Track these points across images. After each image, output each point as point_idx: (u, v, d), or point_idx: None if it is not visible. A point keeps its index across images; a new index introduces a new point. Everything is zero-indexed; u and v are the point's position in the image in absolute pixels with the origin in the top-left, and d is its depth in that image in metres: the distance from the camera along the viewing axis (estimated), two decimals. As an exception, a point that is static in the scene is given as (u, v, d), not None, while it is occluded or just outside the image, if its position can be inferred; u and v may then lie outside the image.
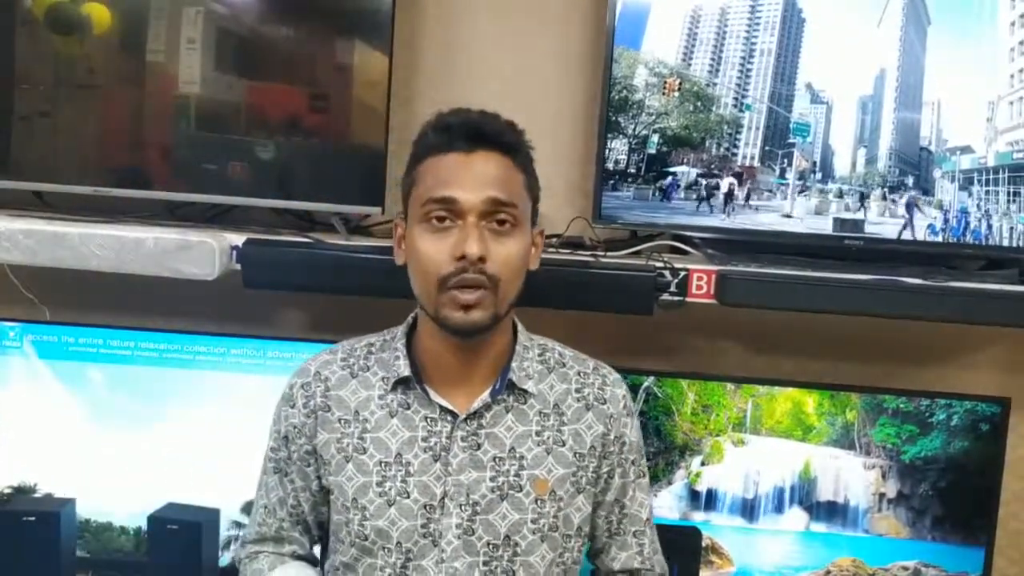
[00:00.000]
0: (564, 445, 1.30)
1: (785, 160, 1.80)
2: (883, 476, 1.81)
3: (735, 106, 1.79)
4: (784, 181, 1.80)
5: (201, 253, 1.63)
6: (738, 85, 1.78)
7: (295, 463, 1.34)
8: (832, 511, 1.83)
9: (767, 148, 1.79)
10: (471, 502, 1.25)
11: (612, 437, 1.34)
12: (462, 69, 1.90)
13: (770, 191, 1.79)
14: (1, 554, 1.65)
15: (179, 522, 1.64)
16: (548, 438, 1.29)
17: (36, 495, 1.89)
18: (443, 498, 1.25)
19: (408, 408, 1.28)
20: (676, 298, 1.65)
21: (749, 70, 1.78)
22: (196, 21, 1.78)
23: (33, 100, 1.84)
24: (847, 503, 1.82)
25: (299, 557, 1.40)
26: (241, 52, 1.81)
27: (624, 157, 1.79)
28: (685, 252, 1.80)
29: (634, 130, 1.79)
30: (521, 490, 1.27)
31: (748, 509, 1.84)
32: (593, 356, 1.84)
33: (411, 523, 1.25)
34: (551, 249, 1.79)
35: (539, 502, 1.27)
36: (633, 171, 1.79)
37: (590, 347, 1.87)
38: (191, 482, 1.82)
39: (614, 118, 1.77)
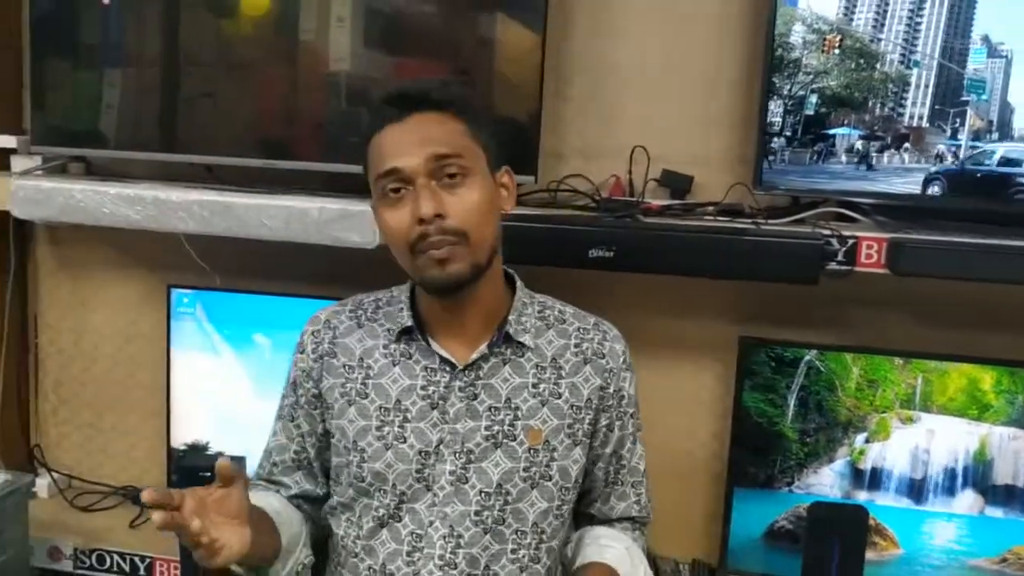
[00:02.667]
0: (560, 397, 1.31)
1: (957, 120, 1.68)
2: (1069, 460, 1.68)
3: (901, 63, 1.68)
4: (956, 142, 1.68)
5: (362, 222, 1.67)
6: (905, 40, 1.68)
7: (302, 407, 1.38)
8: (1010, 495, 1.72)
9: (937, 107, 1.69)
10: (465, 450, 1.27)
11: (611, 391, 1.34)
12: (614, 34, 1.87)
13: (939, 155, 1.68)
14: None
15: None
16: (544, 390, 1.30)
17: (208, 452, 2.00)
18: (438, 445, 1.27)
19: (410, 358, 1.31)
20: (844, 267, 1.57)
21: (918, 23, 1.68)
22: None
23: (197, 81, 1.93)
24: (1027, 487, 1.71)
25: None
26: (388, 28, 1.83)
27: (779, 120, 1.72)
28: (850, 219, 1.72)
29: (790, 91, 1.71)
30: (515, 439, 1.28)
31: (916, 490, 1.75)
32: (753, 327, 1.82)
33: (406, 467, 1.28)
34: (708, 217, 1.75)
35: (532, 451, 1.28)
36: (790, 134, 1.72)
37: (748, 318, 1.85)
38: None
39: (772, 79, 1.70)
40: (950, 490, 1.74)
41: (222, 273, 2.02)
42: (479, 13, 1.79)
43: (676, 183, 1.83)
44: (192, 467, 1.75)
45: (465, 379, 1.29)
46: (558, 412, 1.30)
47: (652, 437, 1.92)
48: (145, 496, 1.05)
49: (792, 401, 1.76)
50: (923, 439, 1.74)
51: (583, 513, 1.42)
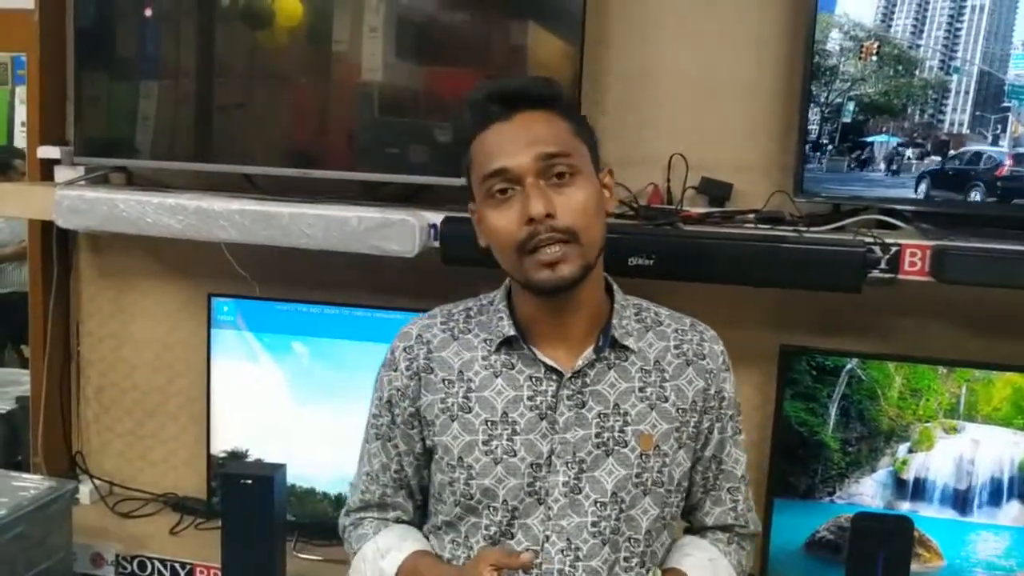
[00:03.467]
0: (667, 401, 1.28)
1: (999, 126, 1.66)
2: (1119, 471, 1.65)
3: (941, 69, 1.66)
4: (998, 149, 1.66)
5: (402, 231, 1.68)
6: (944, 46, 1.66)
7: (399, 427, 1.35)
8: (1058, 507, 1.69)
9: (977, 113, 1.66)
10: (577, 460, 1.25)
11: (712, 392, 1.31)
12: (651, 42, 1.86)
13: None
14: (224, 513, 1.76)
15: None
16: (651, 394, 1.28)
17: (247, 460, 2.02)
18: (550, 456, 1.25)
19: (512, 368, 1.28)
20: (887, 275, 1.56)
21: (958, 29, 1.65)
22: (378, 10, 1.83)
23: (232, 91, 1.95)
24: (1076, 499, 1.68)
25: (402, 522, 1.40)
26: (420, 38, 1.84)
27: (819, 127, 1.70)
28: (893, 227, 1.70)
29: (829, 98, 1.70)
30: (626, 445, 1.25)
31: (960, 501, 1.73)
32: (794, 336, 1.80)
33: (518, 481, 1.25)
34: (748, 225, 1.74)
35: (644, 457, 1.26)
36: (829, 141, 1.70)
37: (789, 326, 1.83)
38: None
39: (811, 86, 1.68)
40: (995, 501, 1.71)
41: (261, 282, 2.04)
42: (511, 22, 1.80)
43: (715, 191, 1.82)
44: (236, 475, 1.76)
45: (572, 387, 1.26)
46: (666, 416, 1.28)
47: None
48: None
49: (833, 410, 1.74)
50: (967, 449, 1.71)
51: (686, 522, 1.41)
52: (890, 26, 1.67)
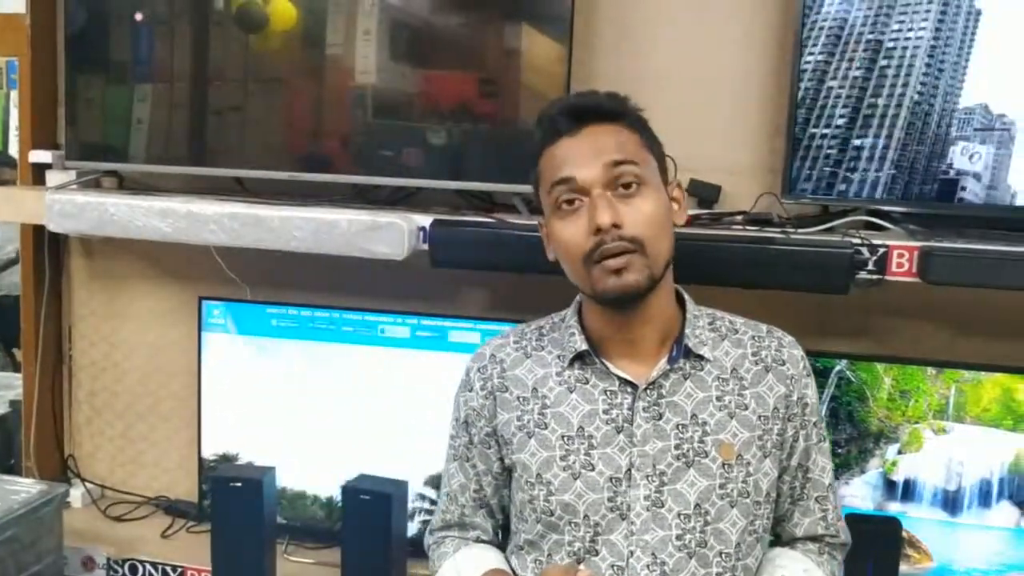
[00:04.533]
0: (747, 409, 1.27)
1: (985, 126, 1.66)
2: (1108, 471, 1.66)
3: (927, 71, 1.65)
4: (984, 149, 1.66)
5: (391, 234, 1.68)
6: (933, 47, 1.66)
7: (476, 447, 1.36)
8: (1048, 508, 1.69)
9: (964, 115, 1.66)
10: (658, 472, 1.24)
11: (795, 398, 1.30)
12: (640, 44, 1.87)
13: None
14: (214, 516, 1.76)
15: (370, 492, 1.70)
16: (730, 402, 1.27)
17: (238, 463, 2.02)
18: (629, 469, 1.24)
19: (586, 383, 1.28)
20: (874, 276, 1.56)
21: (949, 29, 1.65)
22: (371, 12, 1.83)
23: (226, 95, 1.95)
24: (1064, 499, 1.68)
25: (483, 542, 1.41)
26: (414, 41, 1.85)
27: (808, 128, 1.70)
28: (881, 228, 1.70)
29: (815, 100, 1.69)
30: (707, 456, 1.24)
31: (950, 502, 1.73)
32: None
33: (598, 496, 1.24)
34: (735, 227, 1.74)
35: (726, 467, 1.25)
36: (815, 143, 1.70)
37: (777, 326, 1.82)
38: (379, 454, 1.90)
39: (800, 88, 1.69)
40: (985, 502, 1.71)
41: (252, 285, 2.04)
42: (505, 24, 1.80)
43: (704, 193, 1.82)
44: (226, 477, 1.76)
45: (648, 398, 1.26)
46: (747, 424, 1.27)
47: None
48: None
49: (823, 411, 1.74)
50: (957, 450, 1.71)
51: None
52: (879, 27, 1.67)
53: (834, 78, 1.69)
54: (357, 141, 1.89)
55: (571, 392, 1.28)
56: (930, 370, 1.71)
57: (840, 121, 1.69)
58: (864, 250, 1.56)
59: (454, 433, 1.40)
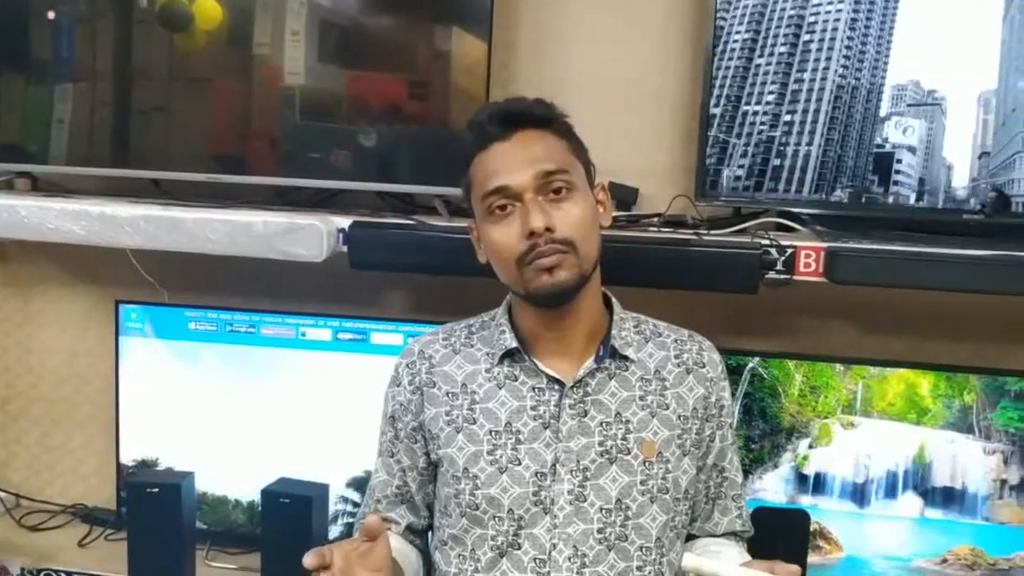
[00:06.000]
0: (668, 408, 1.32)
1: (894, 129, 1.71)
2: (1005, 461, 1.73)
3: (840, 74, 1.70)
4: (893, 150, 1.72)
5: (309, 236, 1.68)
6: (846, 57, 1.70)
7: (402, 442, 1.39)
8: (949, 497, 1.76)
9: (874, 117, 1.71)
10: (581, 467, 1.28)
11: (713, 400, 1.36)
12: (559, 50, 1.89)
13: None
14: (130, 523, 1.74)
15: (291, 496, 1.69)
16: (652, 402, 1.32)
17: (158, 468, 1.99)
18: (554, 464, 1.28)
19: (515, 380, 1.32)
20: (783, 276, 1.61)
21: (862, 36, 1.70)
22: (300, 13, 1.82)
23: (150, 95, 1.92)
24: (965, 489, 1.75)
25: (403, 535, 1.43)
26: (343, 42, 1.84)
27: (722, 131, 1.74)
28: (792, 229, 1.75)
29: (728, 103, 1.73)
30: (629, 453, 1.29)
31: (858, 494, 1.79)
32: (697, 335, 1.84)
33: (523, 490, 1.28)
34: (652, 228, 1.78)
35: (647, 464, 1.29)
36: (728, 146, 1.74)
37: (694, 327, 1.86)
38: (301, 458, 1.89)
39: (712, 92, 1.73)
40: (891, 493, 1.77)
41: (169, 288, 2.02)
42: (434, 25, 1.80)
43: (622, 195, 1.85)
44: (142, 483, 1.74)
45: (574, 396, 1.29)
46: (668, 423, 1.32)
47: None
48: (306, 561, 1.09)
49: (736, 408, 1.78)
50: (864, 444, 1.77)
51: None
52: (793, 28, 1.71)
53: (746, 81, 1.72)
54: (284, 143, 1.88)
55: (500, 388, 1.32)
56: (838, 367, 1.77)
57: (752, 123, 1.73)
58: (773, 251, 1.60)
59: (382, 429, 1.42)
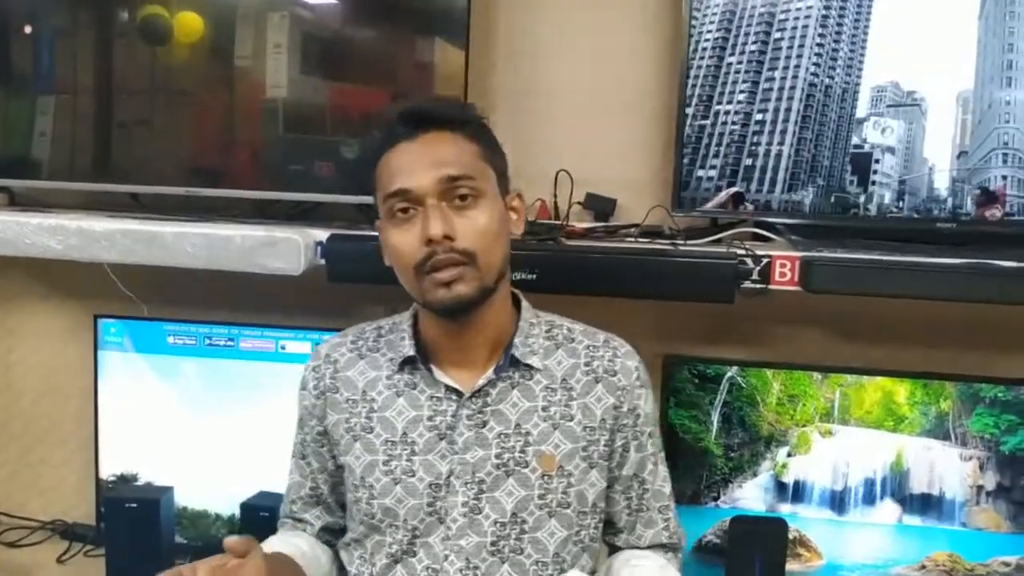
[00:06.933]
0: (572, 419, 1.28)
1: (866, 138, 1.72)
2: (981, 468, 1.74)
3: (812, 84, 1.71)
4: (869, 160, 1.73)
5: (287, 249, 1.68)
6: (815, 64, 1.71)
7: (310, 444, 1.37)
8: (927, 504, 1.76)
9: (848, 126, 1.72)
10: (477, 480, 1.25)
11: (625, 409, 1.31)
12: (536, 61, 1.90)
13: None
14: (108, 539, 1.73)
15: (271, 510, 1.68)
16: (555, 413, 1.28)
17: (137, 483, 1.98)
18: (449, 476, 1.25)
19: (414, 388, 1.29)
20: (759, 285, 1.62)
21: (833, 43, 1.71)
22: (281, 26, 1.82)
23: (130, 108, 1.92)
24: (943, 495, 1.76)
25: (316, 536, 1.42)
26: (325, 55, 1.85)
27: (698, 142, 1.75)
28: (768, 239, 1.77)
29: (704, 114, 1.74)
30: (527, 466, 1.25)
31: (837, 501, 1.79)
32: (676, 345, 1.85)
33: (417, 501, 1.26)
34: (629, 239, 1.79)
35: (546, 478, 1.26)
36: (703, 156, 1.75)
37: (671, 336, 1.88)
38: (281, 471, 1.87)
39: (687, 102, 1.74)
40: (869, 500, 1.78)
41: (148, 302, 2.01)
42: (414, 37, 1.81)
43: (599, 206, 1.87)
44: (120, 499, 1.73)
45: (473, 406, 1.26)
46: (571, 435, 1.28)
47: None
48: None
49: (716, 417, 1.80)
50: (842, 451, 1.78)
51: (610, 546, 1.39)
52: (764, 36, 1.72)
53: (721, 92, 1.74)
54: (266, 155, 1.88)
55: (399, 397, 1.29)
56: (816, 375, 1.78)
57: (727, 134, 1.75)
58: (748, 261, 1.61)
59: (296, 430, 1.40)
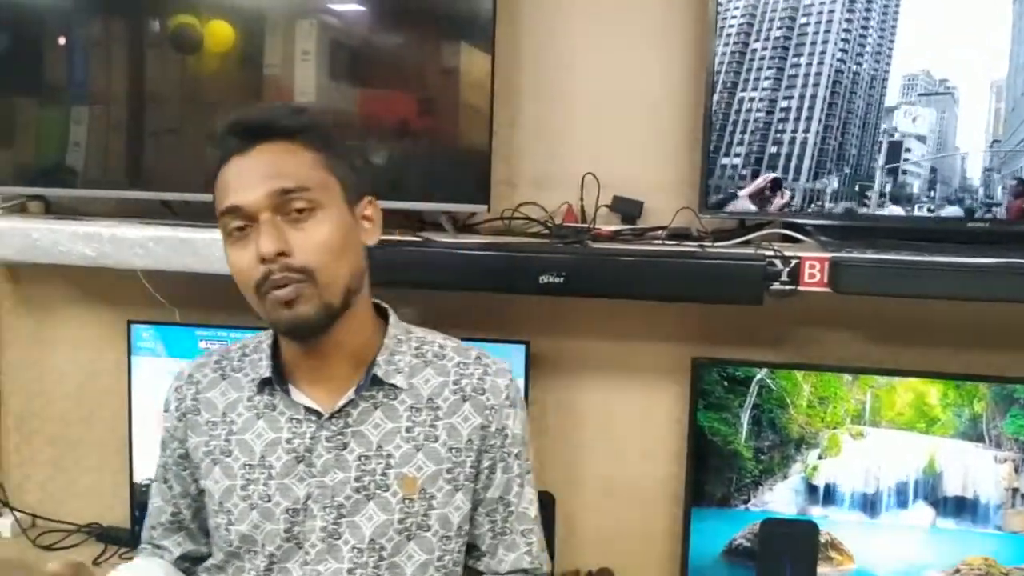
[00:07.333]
0: (437, 440, 1.22)
1: (895, 135, 1.71)
2: (1016, 470, 1.72)
3: (837, 80, 1.70)
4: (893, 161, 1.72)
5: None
6: (840, 59, 1.69)
7: (172, 468, 1.31)
8: (961, 507, 1.74)
9: (875, 124, 1.71)
10: (336, 504, 1.19)
11: (493, 429, 1.25)
12: (562, 64, 1.91)
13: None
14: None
15: None
16: (419, 434, 1.22)
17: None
18: (307, 500, 1.20)
19: (274, 410, 1.23)
20: (788, 287, 1.61)
21: (861, 36, 1.70)
22: (310, 33, 1.84)
23: (162, 116, 1.95)
24: (977, 498, 1.74)
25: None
26: (352, 61, 1.86)
27: (725, 143, 1.75)
28: (796, 240, 1.76)
29: (730, 114, 1.74)
30: (388, 489, 1.20)
31: (869, 504, 1.78)
32: (705, 348, 1.85)
33: (274, 527, 1.20)
34: (657, 241, 1.79)
35: (407, 502, 1.20)
36: (730, 157, 1.74)
37: (700, 338, 1.88)
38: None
39: (718, 104, 1.74)
40: (902, 503, 1.76)
41: (181, 308, 2.04)
42: (441, 42, 1.82)
43: (626, 209, 1.87)
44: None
45: (332, 428, 1.20)
46: (435, 457, 1.22)
47: (611, 459, 1.96)
48: None
49: (745, 419, 1.79)
50: (874, 454, 1.77)
51: (471, 569, 1.32)
52: (788, 35, 1.71)
53: (744, 91, 1.73)
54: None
55: (259, 419, 1.23)
56: (846, 377, 1.76)
57: (753, 135, 1.74)
58: (777, 262, 1.61)
59: (159, 452, 1.34)
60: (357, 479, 1.20)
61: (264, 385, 1.24)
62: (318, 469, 1.20)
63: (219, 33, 1.88)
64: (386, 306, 1.30)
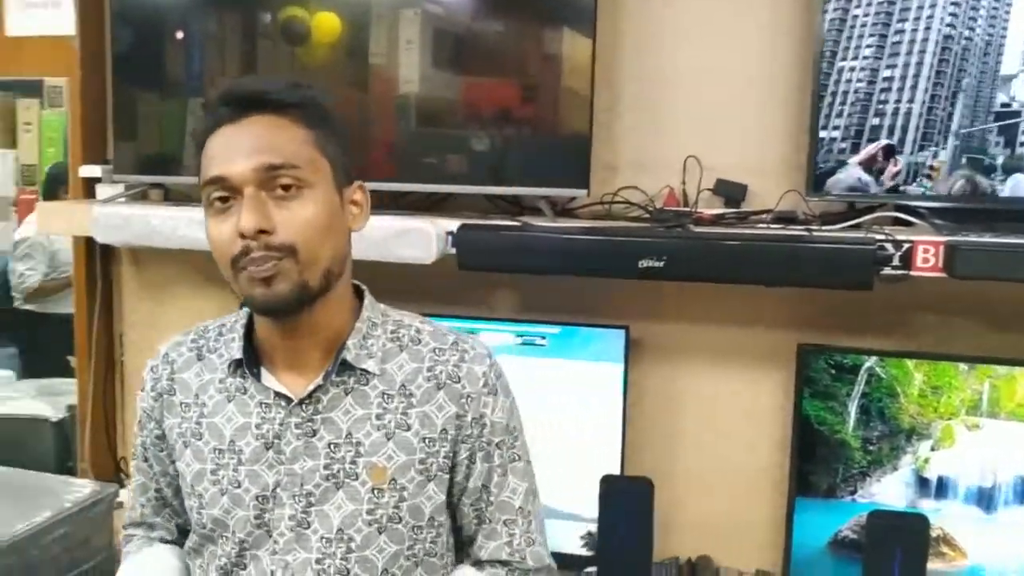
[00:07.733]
0: (409, 430, 1.17)
1: (1012, 117, 1.63)
2: None
3: (945, 59, 1.63)
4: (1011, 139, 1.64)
5: (420, 238, 1.73)
6: (948, 36, 1.61)
7: (150, 448, 1.29)
8: (1084, 505, 1.66)
9: (989, 106, 1.63)
10: (304, 492, 1.16)
11: (469, 419, 1.20)
12: (663, 47, 1.89)
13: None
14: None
15: None
16: (390, 422, 1.17)
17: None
18: (275, 488, 1.16)
19: (244, 393, 1.19)
20: (900, 272, 1.56)
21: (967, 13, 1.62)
22: (414, 22, 1.87)
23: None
24: (1103, 495, 1.65)
25: (168, 542, 1.33)
26: (455, 49, 1.89)
27: (833, 125, 1.70)
28: (908, 223, 1.69)
29: (839, 95, 1.69)
30: (357, 479, 1.15)
31: (985, 499, 1.71)
32: (812, 334, 1.81)
33: (245, 513, 1.17)
34: (761, 225, 1.75)
35: (376, 492, 1.16)
36: (839, 139, 1.69)
37: (807, 324, 1.84)
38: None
39: (825, 84, 1.69)
40: (1020, 498, 1.69)
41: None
42: (543, 28, 1.83)
43: (730, 192, 1.83)
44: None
45: (302, 414, 1.16)
46: (406, 446, 1.17)
47: (711, 446, 1.94)
48: None
49: (853, 408, 1.74)
50: (991, 446, 1.69)
51: (461, 551, 1.30)
52: (897, 20, 1.65)
53: (854, 73, 1.68)
54: (400, 149, 1.93)
55: (229, 402, 1.20)
56: (962, 366, 1.69)
57: (863, 115, 1.68)
58: (888, 246, 1.56)
59: (136, 431, 1.31)
60: (326, 467, 1.16)
61: (237, 367, 1.20)
62: (287, 456, 1.16)
63: (326, 24, 1.92)
64: (364, 287, 1.26)
